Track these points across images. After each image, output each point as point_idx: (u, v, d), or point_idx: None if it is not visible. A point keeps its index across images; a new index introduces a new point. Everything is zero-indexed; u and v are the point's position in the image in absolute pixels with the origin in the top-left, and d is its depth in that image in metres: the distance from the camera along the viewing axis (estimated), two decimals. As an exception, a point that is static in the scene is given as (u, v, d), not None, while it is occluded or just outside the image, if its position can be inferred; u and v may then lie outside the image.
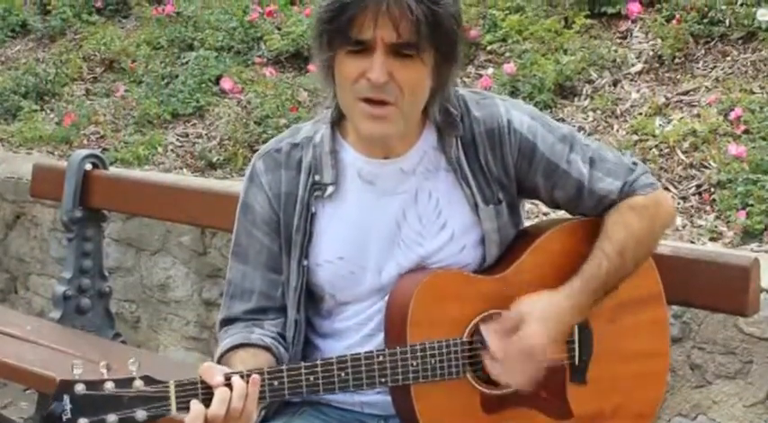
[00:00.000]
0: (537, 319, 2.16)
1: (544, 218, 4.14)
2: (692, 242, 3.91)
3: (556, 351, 2.20)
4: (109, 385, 1.99)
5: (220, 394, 2.00)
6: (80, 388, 1.99)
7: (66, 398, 1.99)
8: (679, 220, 4.05)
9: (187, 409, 2.01)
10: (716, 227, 4.00)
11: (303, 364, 2.13)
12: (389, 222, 2.25)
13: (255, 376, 2.04)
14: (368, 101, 2.11)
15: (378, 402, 2.28)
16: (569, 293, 2.20)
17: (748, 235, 3.90)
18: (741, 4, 4.92)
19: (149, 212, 4.25)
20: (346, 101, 2.17)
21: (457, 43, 2.13)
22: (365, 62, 2.08)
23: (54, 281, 4.69)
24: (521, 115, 2.28)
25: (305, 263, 2.26)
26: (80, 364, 2.03)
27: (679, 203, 4.17)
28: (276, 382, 2.08)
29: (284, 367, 2.12)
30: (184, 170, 5.53)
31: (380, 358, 2.14)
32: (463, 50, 2.17)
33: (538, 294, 2.19)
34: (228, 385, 2.02)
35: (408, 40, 2.06)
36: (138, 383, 2.01)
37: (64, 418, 1.99)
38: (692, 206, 4.18)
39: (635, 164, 2.33)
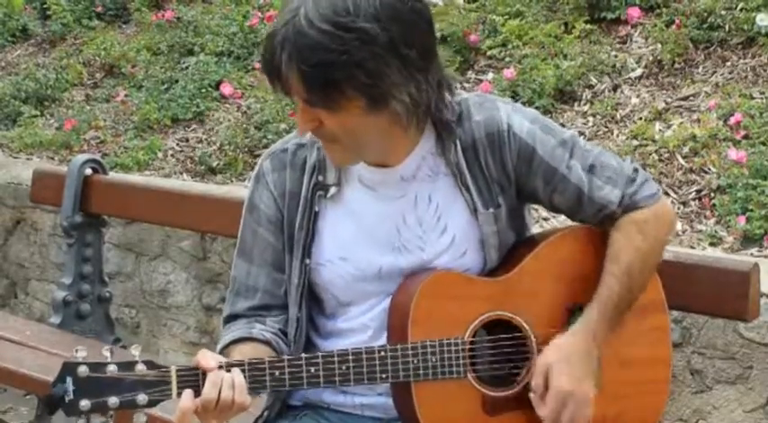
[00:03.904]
0: (560, 366, 2.17)
1: (544, 223, 4.14)
2: (692, 247, 3.91)
3: (591, 385, 2.21)
4: (111, 368, 2.03)
5: (212, 378, 2.04)
6: (83, 370, 2.02)
7: (69, 380, 2.02)
8: (679, 226, 4.05)
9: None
10: (716, 232, 4.01)
11: (304, 355, 2.15)
12: (389, 227, 2.26)
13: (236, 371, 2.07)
14: None
15: (378, 405, 2.29)
16: (586, 326, 2.21)
17: (748, 240, 3.91)
18: (741, 10, 4.92)
19: (149, 218, 4.25)
20: None
21: (380, 83, 2.05)
22: None
23: (54, 286, 4.68)
24: (521, 119, 2.28)
25: (307, 262, 2.28)
26: (83, 347, 2.06)
27: (679, 208, 4.18)
28: (277, 373, 2.11)
29: (285, 358, 2.14)
30: (184, 175, 5.53)
31: (381, 353, 2.16)
32: (408, 72, 2.07)
33: (557, 339, 2.21)
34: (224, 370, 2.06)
35: (310, 100, 2.07)
36: (141, 367, 2.04)
37: (66, 399, 2.01)
38: (691, 211, 4.18)
39: (636, 171, 2.33)
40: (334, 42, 2.00)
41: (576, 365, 2.18)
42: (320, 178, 2.28)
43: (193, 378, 2.05)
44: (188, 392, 2.04)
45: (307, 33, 2.00)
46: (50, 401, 2.02)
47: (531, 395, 2.20)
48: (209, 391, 2.03)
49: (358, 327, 2.29)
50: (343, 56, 2.00)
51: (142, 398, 2.03)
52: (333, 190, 2.28)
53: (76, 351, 2.04)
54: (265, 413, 2.35)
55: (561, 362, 2.18)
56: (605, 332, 2.23)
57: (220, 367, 2.06)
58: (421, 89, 2.11)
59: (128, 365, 2.03)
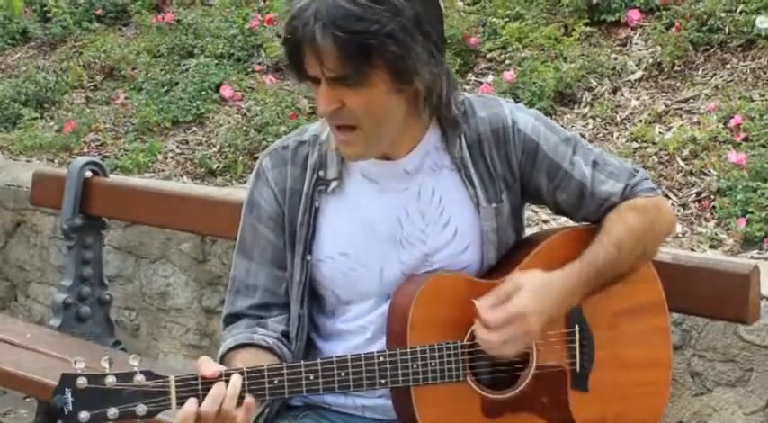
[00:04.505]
0: (529, 289, 2.15)
1: (543, 225, 4.14)
2: (692, 249, 3.91)
3: (549, 328, 2.19)
4: (110, 379, 2.02)
5: (214, 391, 2.03)
6: (82, 381, 2.01)
7: (68, 391, 2.01)
8: (679, 228, 4.05)
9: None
10: (716, 234, 4.01)
11: (303, 362, 2.15)
12: (392, 219, 2.27)
13: (249, 400, 2.06)
14: (336, 126, 2.17)
15: (378, 406, 2.29)
16: (566, 274, 2.21)
17: (748, 242, 3.90)
18: (740, 12, 4.92)
19: (149, 220, 4.25)
20: (326, 123, 2.23)
21: (407, 56, 2.09)
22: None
23: (54, 288, 4.68)
24: (525, 116, 2.31)
25: (308, 258, 2.29)
26: (82, 358, 2.05)
27: (679, 211, 4.18)
28: (276, 380, 2.10)
29: (284, 365, 2.13)
30: (184, 177, 5.53)
31: (380, 359, 2.16)
32: (429, 50, 2.13)
33: (537, 271, 2.20)
34: (226, 382, 2.04)
35: (340, 73, 2.09)
36: (139, 378, 2.03)
37: (65, 411, 2.01)
38: (691, 214, 4.18)
39: (636, 170, 2.35)
40: (366, 13, 2.05)
41: (542, 298, 2.16)
42: (321, 173, 2.29)
43: (193, 387, 2.05)
44: (192, 400, 2.03)
45: (340, 4, 2.05)
46: (50, 413, 2.03)
47: (478, 301, 2.15)
48: (209, 405, 2.03)
49: (357, 329, 2.29)
50: (375, 25, 2.05)
51: (141, 408, 2.03)
52: (333, 184, 2.28)
53: (75, 362, 2.03)
54: (266, 410, 2.35)
55: (532, 288, 2.16)
56: (580, 290, 2.21)
57: (220, 376, 2.05)
58: (440, 71, 2.16)
59: (126, 376, 2.03)
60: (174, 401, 2.04)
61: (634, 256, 2.28)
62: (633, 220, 2.28)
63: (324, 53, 2.06)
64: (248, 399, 2.07)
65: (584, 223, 2.37)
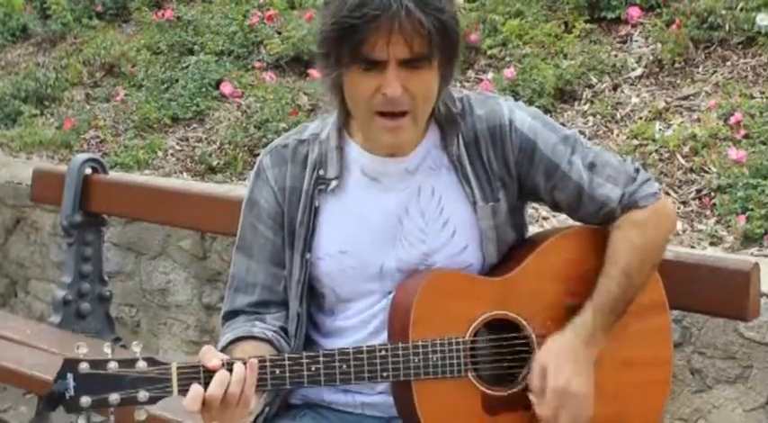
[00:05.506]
0: (556, 365, 2.18)
1: (544, 222, 4.14)
2: (693, 247, 3.91)
3: (589, 383, 2.21)
4: (112, 365, 2.03)
5: (219, 377, 2.03)
6: (84, 367, 2.02)
7: (70, 376, 2.02)
8: (679, 225, 4.05)
9: (188, 391, 2.03)
10: (716, 231, 4.01)
11: (305, 353, 2.15)
12: (391, 217, 2.27)
13: (253, 361, 2.07)
14: (383, 114, 2.15)
15: (378, 404, 2.29)
16: (580, 326, 2.21)
17: (748, 239, 3.90)
18: (741, 9, 4.92)
19: (149, 217, 4.25)
20: (361, 115, 2.20)
21: (459, 42, 2.17)
22: (378, 78, 2.11)
23: (54, 285, 4.68)
24: (523, 115, 2.31)
25: (308, 256, 2.29)
26: (84, 344, 2.05)
27: (679, 208, 4.17)
28: (278, 371, 2.11)
29: (286, 355, 2.14)
30: (184, 174, 5.53)
31: (382, 352, 2.16)
32: (462, 46, 2.20)
33: (551, 340, 2.21)
34: (228, 370, 2.04)
35: (421, 53, 2.09)
36: (142, 364, 2.04)
37: (67, 395, 2.01)
38: (692, 211, 4.18)
39: (637, 171, 2.33)
40: None
41: (571, 363, 2.18)
42: (321, 172, 2.29)
43: (194, 375, 2.05)
44: (196, 385, 2.03)
45: None
46: (51, 398, 2.02)
47: (531, 396, 2.20)
48: (214, 389, 2.02)
49: (358, 324, 2.30)
50: (448, 5, 2.11)
51: (143, 395, 2.03)
52: (333, 183, 2.28)
53: (78, 347, 2.04)
54: (266, 410, 2.35)
55: (557, 361, 2.18)
56: (601, 334, 2.22)
57: (222, 365, 2.06)
58: (458, 66, 2.22)
59: (129, 362, 2.03)
60: (175, 388, 2.04)
61: (644, 274, 2.28)
62: (637, 239, 2.26)
63: (412, 30, 2.07)
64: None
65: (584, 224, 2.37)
